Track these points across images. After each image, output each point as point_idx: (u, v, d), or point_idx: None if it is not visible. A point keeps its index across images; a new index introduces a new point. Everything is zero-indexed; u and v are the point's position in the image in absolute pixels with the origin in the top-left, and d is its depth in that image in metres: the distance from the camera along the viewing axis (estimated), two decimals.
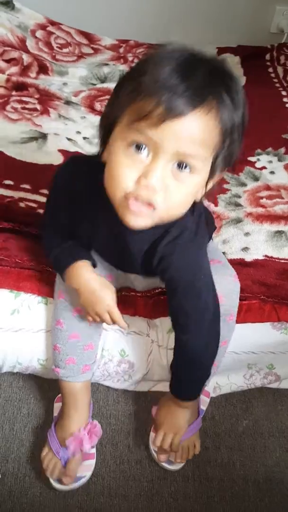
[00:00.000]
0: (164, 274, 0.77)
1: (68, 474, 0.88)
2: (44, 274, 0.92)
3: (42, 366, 0.97)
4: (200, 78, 0.61)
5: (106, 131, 0.68)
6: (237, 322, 0.90)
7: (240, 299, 0.90)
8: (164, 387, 0.94)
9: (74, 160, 0.86)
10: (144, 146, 0.63)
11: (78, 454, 0.88)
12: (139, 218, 0.66)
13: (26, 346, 0.94)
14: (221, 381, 1.04)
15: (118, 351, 0.95)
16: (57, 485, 0.89)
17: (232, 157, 0.69)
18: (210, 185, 0.71)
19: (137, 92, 0.61)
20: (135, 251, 0.79)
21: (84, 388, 0.91)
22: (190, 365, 0.85)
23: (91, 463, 0.93)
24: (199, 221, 0.78)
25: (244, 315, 0.92)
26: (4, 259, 0.91)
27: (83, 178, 0.77)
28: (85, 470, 0.91)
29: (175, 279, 0.77)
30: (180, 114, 0.60)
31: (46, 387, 1.06)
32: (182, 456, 0.92)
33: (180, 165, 0.64)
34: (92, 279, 0.80)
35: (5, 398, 1.04)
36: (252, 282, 0.96)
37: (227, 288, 0.87)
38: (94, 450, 0.94)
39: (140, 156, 0.63)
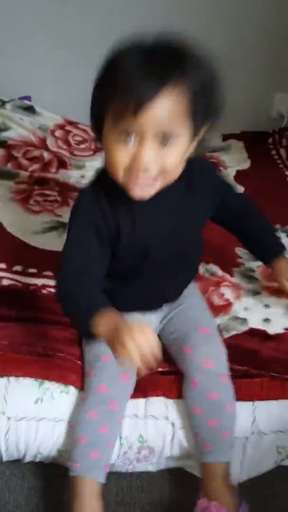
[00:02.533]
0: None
1: None
2: (68, 363, 0.96)
3: (62, 456, 0.98)
4: (158, 64, 0.72)
5: (97, 122, 0.81)
6: (260, 399, 0.94)
7: (261, 376, 0.96)
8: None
9: (85, 192, 0.92)
10: (131, 132, 0.75)
11: None
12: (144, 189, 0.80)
13: (47, 436, 0.95)
14: (252, 473, 1.03)
15: (136, 437, 0.96)
16: None
17: (211, 110, 0.79)
18: (196, 141, 0.82)
19: (111, 95, 0.75)
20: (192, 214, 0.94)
21: (99, 494, 0.87)
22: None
23: None
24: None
25: (266, 393, 0.95)
26: (29, 349, 0.96)
27: (102, 194, 0.86)
28: None
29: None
30: (148, 101, 0.71)
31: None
32: None
33: (165, 137, 0.75)
34: (129, 319, 0.85)
35: (28, 488, 1.04)
36: (273, 360, 1.00)
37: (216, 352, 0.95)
38: None
39: (130, 143, 0.76)
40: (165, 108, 0.72)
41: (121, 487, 1.04)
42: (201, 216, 0.99)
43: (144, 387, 0.95)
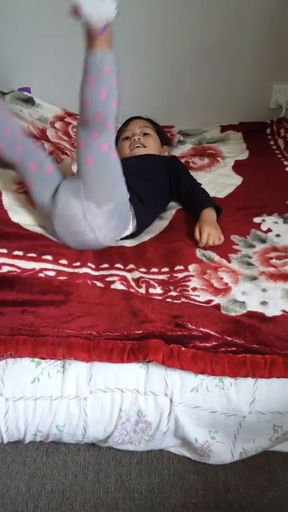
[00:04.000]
0: None
1: None
2: (60, 339, 0.97)
3: (61, 432, 0.99)
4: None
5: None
6: (262, 377, 0.95)
7: (264, 353, 0.96)
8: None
9: None
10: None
11: None
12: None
13: (45, 414, 0.97)
14: (247, 446, 1.04)
15: (135, 411, 0.98)
16: None
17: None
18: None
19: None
20: None
21: None
22: None
23: None
24: None
25: (269, 370, 0.96)
26: (22, 329, 0.97)
27: None
28: None
29: None
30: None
31: (70, 462, 1.08)
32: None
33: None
34: None
35: (29, 474, 1.06)
36: (275, 337, 1.00)
37: None
38: None
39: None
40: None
41: (120, 474, 1.06)
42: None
43: (146, 351, 0.96)
